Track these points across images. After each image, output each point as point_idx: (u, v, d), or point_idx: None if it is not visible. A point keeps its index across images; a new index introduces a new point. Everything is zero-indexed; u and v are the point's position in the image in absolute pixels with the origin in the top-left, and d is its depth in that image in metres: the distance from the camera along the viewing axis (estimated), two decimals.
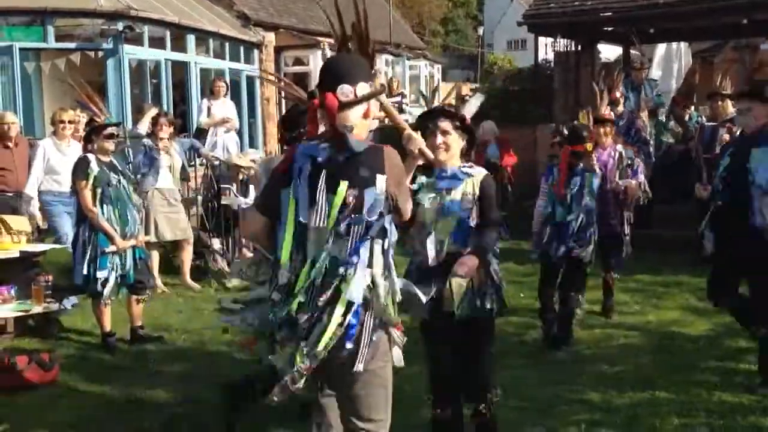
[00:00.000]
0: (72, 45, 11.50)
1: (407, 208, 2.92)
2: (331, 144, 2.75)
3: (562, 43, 12.91)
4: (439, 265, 3.55)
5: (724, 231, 4.71)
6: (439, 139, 3.57)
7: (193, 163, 9.15)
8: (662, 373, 4.99)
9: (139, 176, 7.09)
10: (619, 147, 6.23)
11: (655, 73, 13.91)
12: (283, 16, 16.62)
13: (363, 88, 2.77)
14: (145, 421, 4.38)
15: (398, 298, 2.79)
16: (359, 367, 2.68)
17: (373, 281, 2.70)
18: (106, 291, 5.59)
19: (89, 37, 11.44)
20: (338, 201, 2.67)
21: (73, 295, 5.89)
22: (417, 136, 3.14)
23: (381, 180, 2.70)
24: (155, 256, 7.48)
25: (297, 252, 2.71)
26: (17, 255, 5.92)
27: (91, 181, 5.53)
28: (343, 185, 2.67)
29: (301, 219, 2.70)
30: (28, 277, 5.90)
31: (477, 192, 3.58)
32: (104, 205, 5.60)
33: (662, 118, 9.99)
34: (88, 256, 5.53)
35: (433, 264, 3.55)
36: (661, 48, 14.14)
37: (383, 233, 2.73)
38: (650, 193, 6.50)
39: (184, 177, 8.19)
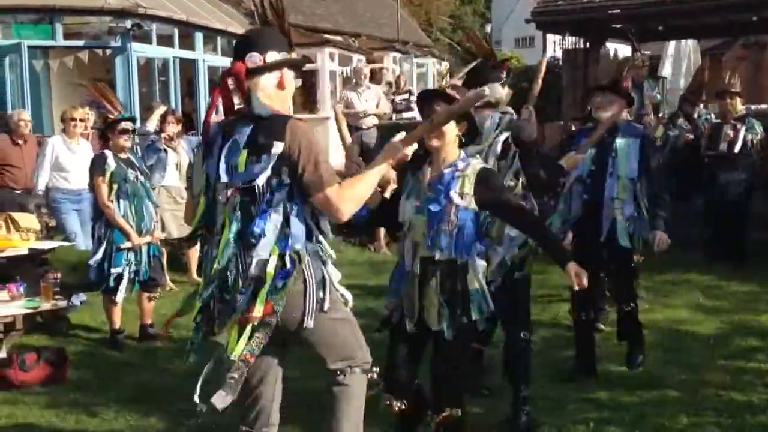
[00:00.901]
0: (80, 43, 11.54)
1: (328, 191, 2.74)
2: (240, 115, 2.82)
3: (571, 41, 12.88)
4: (413, 271, 3.32)
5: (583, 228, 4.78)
6: (432, 127, 3.27)
7: None
8: (671, 371, 4.98)
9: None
10: None
11: (666, 70, 13.85)
12: (290, 13, 16.62)
13: (273, 56, 2.83)
14: (153, 417, 4.40)
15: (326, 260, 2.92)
16: (309, 323, 2.78)
17: (294, 249, 2.77)
18: (121, 289, 5.61)
19: (97, 34, 11.48)
20: (240, 170, 2.74)
21: (82, 292, 5.91)
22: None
23: (278, 146, 2.71)
24: (162, 254, 7.49)
25: (214, 224, 2.84)
26: (26, 252, 5.94)
27: (108, 176, 5.56)
28: (243, 153, 2.74)
29: (215, 192, 2.82)
30: (37, 274, 5.91)
31: (471, 191, 3.23)
32: (120, 201, 5.62)
33: (663, 114, 9.97)
34: (102, 252, 5.56)
35: (408, 269, 3.35)
36: (671, 45, 14.08)
37: (290, 201, 2.76)
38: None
39: (192, 174, 8.21)
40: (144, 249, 5.74)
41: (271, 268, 2.74)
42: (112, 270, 5.58)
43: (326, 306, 2.84)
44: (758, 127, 8.09)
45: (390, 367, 3.44)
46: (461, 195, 3.22)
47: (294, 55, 2.92)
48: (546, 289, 6.82)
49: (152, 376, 5.14)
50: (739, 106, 8.20)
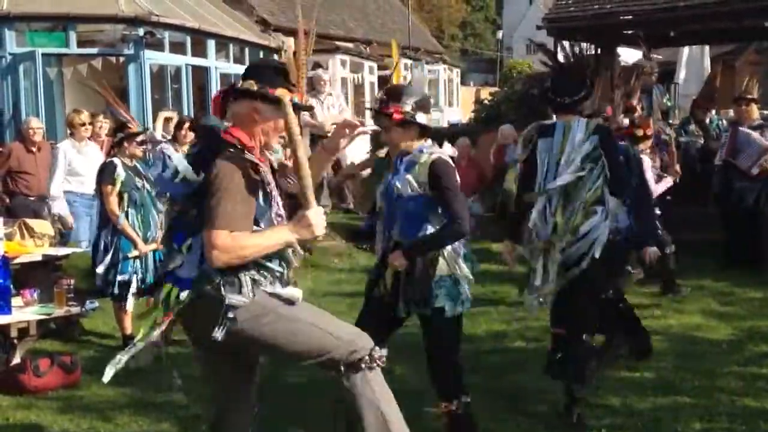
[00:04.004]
0: (94, 50, 11.64)
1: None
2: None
3: (582, 47, 12.83)
4: (385, 252, 3.70)
5: None
6: (384, 137, 3.72)
7: None
8: (684, 377, 4.94)
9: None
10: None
11: (679, 76, 13.81)
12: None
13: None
14: (164, 421, 4.41)
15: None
16: (217, 334, 2.72)
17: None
18: (130, 297, 5.64)
19: (111, 42, 11.57)
20: None
21: (95, 298, 5.93)
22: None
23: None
24: None
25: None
26: (40, 258, 5.98)
27: (118, 186, 5.60)
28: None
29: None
30: (51, 280, 5.95)
31: (425, 180, 3.54)
32: (129, 209, 5.66)
33: (675, 120, 9.93)
34: (109, 260, 5.59)
35: (380, 251, 3.77)
36: (684, 51, 14.05)
37: None
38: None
39: None
40: (150, 255, 5.78)
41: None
42: (118, 277, 5.62)
43: (243, 315, 2.74)
44: None
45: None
46: (417, 182, 3.55)
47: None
48: None
49: (163, 381, 5.14)
50: (756, 113, 8.15)
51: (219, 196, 2.66)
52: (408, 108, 3.57)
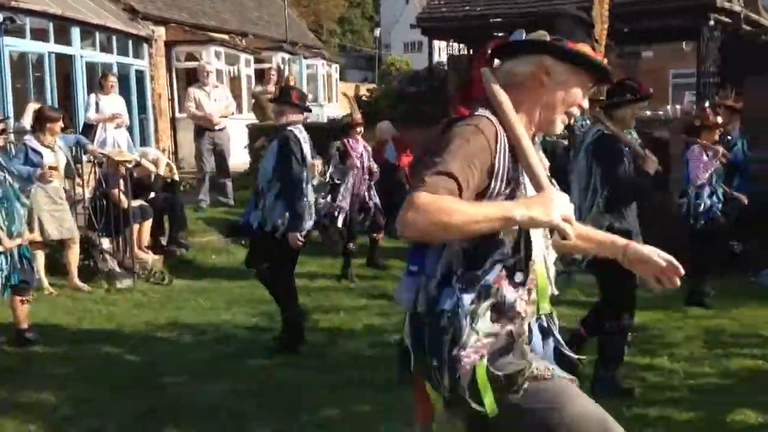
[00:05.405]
0: None
1: None
2: None
3: (457, 46, 13.24)
4: None
5: None
6: None
7: (80, 159, 8.82)
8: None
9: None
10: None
11: None
12: (172, 10, 16.25)
13: None
14: (32, 423, 4.23)
15: None
16: None
17: None
18: None
19: None
20: None
21: None
22: None
23: None
24: (40, 256, 7.19)
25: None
26: None
27: None
28: None
29: None
30: None
31: None
32: None
33: None
34: None
35: None
36: None
37: None
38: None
39: (70, 174, 7.89)
40: (15, 251, 5.51)
41: None
42: None
43: None
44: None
45: None
46: None
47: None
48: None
49: (31, 382, 4.93)
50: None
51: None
52: None
